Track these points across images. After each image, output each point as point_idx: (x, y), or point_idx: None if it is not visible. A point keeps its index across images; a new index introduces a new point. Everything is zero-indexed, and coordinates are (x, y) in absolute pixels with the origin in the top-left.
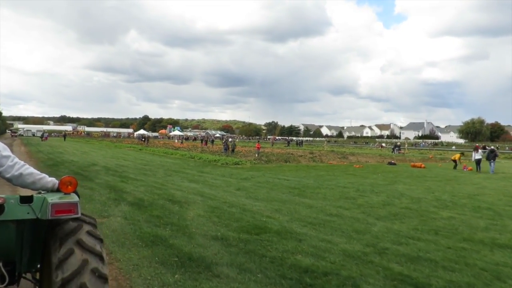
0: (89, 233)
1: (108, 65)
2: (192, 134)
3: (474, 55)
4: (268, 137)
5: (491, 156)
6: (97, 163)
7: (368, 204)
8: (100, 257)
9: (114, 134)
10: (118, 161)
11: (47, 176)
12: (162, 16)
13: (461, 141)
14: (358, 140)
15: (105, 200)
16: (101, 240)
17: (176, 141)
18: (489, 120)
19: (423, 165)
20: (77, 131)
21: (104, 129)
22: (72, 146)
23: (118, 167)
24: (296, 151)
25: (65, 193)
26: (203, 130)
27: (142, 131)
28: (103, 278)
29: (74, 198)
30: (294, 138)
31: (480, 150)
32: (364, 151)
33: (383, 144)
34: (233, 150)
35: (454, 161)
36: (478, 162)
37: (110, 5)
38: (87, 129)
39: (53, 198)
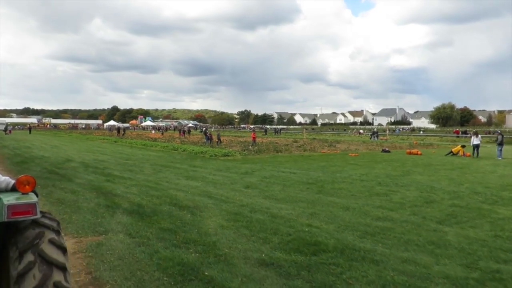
0: (51, 242)
1: (72, 54)
2: (164, 125)
3: (439, 42)
4: (242, 126)
5: (501, 141)
6: (72, 158)
7: (408, 201)
8: (63, 269)
9: (83, 126)
10: (95, 156)
11: (0, 175)
12: (127, 3)
13: (433, 126)
14: (332, 127)
15: (94, 208)
16: (64, 250)
17: (153, 131)
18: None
19: (419, 152)
20: (43, 124)
21: (72, 121)
22: (39, 139)
23: (97, 163)
24: (279, 140)
25: (23, 193)
26: (175, 120)
27: (112, 122)
28: None
29: (32, 198)
30: (268, 126)
31: (479, 136)
32: (345, 138)
33: (361, 131)
34: (219, 141)
35: (451, 152)
36: (476, 147)
37: None
38: (53, 121)
39: (9, 199)
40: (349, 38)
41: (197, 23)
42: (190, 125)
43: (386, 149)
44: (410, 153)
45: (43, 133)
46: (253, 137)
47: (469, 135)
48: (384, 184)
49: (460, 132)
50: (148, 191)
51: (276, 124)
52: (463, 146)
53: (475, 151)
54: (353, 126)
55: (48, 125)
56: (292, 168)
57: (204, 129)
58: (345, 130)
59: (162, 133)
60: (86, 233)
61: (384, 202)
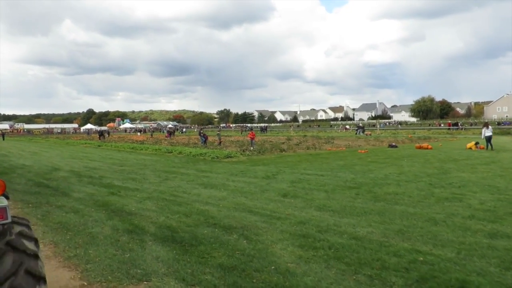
0: (21, 233)
1: (43, 57)
2: (143, 126)
3: (411, 37)
4: (222, 125)
5: None
6: (58, 166)
7: (497, 207)
8: (35, 256)
9: (59, 131)
10: (84, 163)
11: None
12: (97, 4)
13: (413, 119)
14: (316, 123)
15: (113, 235)
16: (35, 240)
17: (138, 134)
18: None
19: (430, 146)
20: (16, 129)
21: (46, 126)
22: (15, 146)
23: (90, 171)
24: (270, 138)
25: None
26: (154, 122)
27: (89, 126)
28: (38, 277)
29: (2, 202)
30: (248, 124)
31: (490, 127)
32: (334, 134)
33: (347, 127)
34: (220, 142)
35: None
36: (489, 139)
37: None
38: (26, 126)
39: None
40: (324, 35)
41: (171, 23)
42: (170, 126)
43: (393, 144)
44: (420, 148)
45: (17, 139)
46: (252, 137)
47: (460, 127)
48: (438, 186)
49: (452, 124)
50: (169, 206)
51: (257, 123)
52: (476, 144)
53: (489, 144)
54: (334, 122)
55: (21, 131)
56: (313, 169)
57: (200, 129)
58: (331, 126)
59: (152, 135)
60: (119, 279)
61: (468, 210)
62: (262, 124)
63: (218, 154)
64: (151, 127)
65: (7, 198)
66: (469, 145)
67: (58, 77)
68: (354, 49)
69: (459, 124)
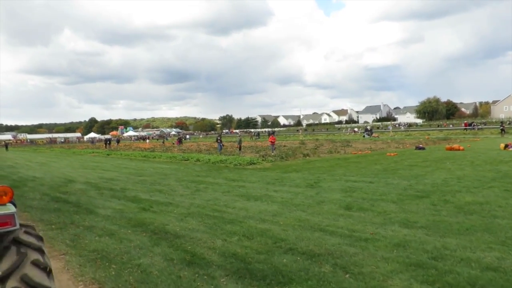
0: (26, 232)
1: (43, 67)
2: (146, 134)
3: (410, 39)
4: (225, 131)
5: None
6: (72, 178)
7: None
8: (40, 250)
9: (62, 140)
10: (98, 173)
11: None
12: (97, 13)
13: (419, 120)
14: (316, 127)
15: (170, 269)
16: (40, 238)
17: (147, 141)
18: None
19: (461, 147)
20: (20, 140)
21: (49, 135)
22: (20, 156)
23: (108, 183)
24: (285, 143)
25: (0, 204)
26: (156, 129)
27: (92, 134)
28: (44, 269)
29: (10, 209)
30: (252, 130)
31: None
32: (346, 137)
33: (356, 129)
34: (240, 148)
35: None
36: None
37: (39, 3)
38: (29, 136)
39: None
40: (323, 39)
41: (170, 30)
42: (173, 133)
43: (420, 146)
44: (451, 149)
45: (21, 149)
46: (273, 141)
47: (476, 127)
48: None
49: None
50: (219, 225)
51: (261, 127)
52: (506, 145)
53: None
54: (339, 126)
55: (24, 141)
56: (355, 175)
57: (218, 136)
58: (339, 129)
59: (163, 142)
60: None
61: None
62: (270, 129)
63: (240, 160)
64: (154, 135)
65: (14, 205)
66: (502, 145)
67: (58, 86)
68: (353, 52)
69: (473, 124)
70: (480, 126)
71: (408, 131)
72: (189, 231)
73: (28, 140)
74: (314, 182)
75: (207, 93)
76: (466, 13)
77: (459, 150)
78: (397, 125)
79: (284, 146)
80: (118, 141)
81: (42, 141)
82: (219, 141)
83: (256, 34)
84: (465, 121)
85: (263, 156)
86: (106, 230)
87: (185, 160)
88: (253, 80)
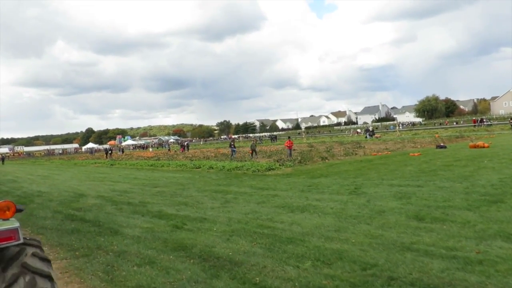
0: (34, 255)
1: (37, 79)
2: (144, 142)
3: (403, 38)
4: (223, 137)
5: None
6: (82, 191)
7: None
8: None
9: (60, 151)
10: (107, 185)
11: None
12: (90, 23)
13: (419, 119)
14: (315, 130)
15: None
16: (48, 261)
17: (150, 149)
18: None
19: (486, 144)
20: (17, 152)
21: (47, 147)
22: (20, 170)
23: (122, 196)
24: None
25: (3, 219)
26: (154, 137)
27: (90, 145)
28: None
29: (14, 223)
30: (250, 135)
31: None
32: (350, 138)
33: (358, 130)
34: (255, 152)
35: None
36: None
37: (32, 15)
38: (26, 149)
39: None
40: (316, 41)
41: (164, 38)
42: (172, 140)
43: (442, 144)
44: (475, 147)
45: (19, 162)
46: (290, 145)
47: (486, 123)
48: None
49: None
50: (278, 246)
51: (259, 132)
52: None
53: None
54: (339, 127)
55: (21, 154)
56: (394, 179)
57: (231, 141)
58: (341, 131)
59: (169, 149)
60: None
61: None
62: (272, 133)
63: (257, 166)
64: (153, 143)
65: (21, 210)
66: None
67: (53, 98)
68: (347, 53)
69: (484, 120)
70: (489, 123)
71: (412, 130)
72: (245, 256)
73: (25, 153)
74: (354, 188)
75: (203, 100)
76: (457, 11)
77: (484, 147)
78: (400, 125)
79: (294, 150)
80: (122, 151)
81: (40, 153)
82: (232, 146)
83: (250, 39)
84: (473, 118)
85: (277, 161)
86: (143, 256)
87: (197, 168)
88: (249, 85)
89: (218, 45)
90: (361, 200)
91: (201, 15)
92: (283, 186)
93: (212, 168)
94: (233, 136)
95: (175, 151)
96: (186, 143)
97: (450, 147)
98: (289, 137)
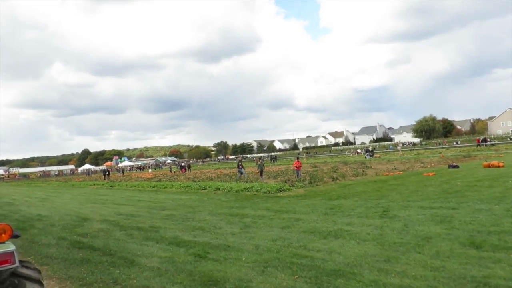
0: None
1: (34, 101)
2: (141, 163)
3: (398, 60)
4: (220, 157)
5: None
6: (84, 215)
7: None
8: None
9: (56, 173)
10: (111, 208)
11: None
12: (87, 45)
13: (417, 139)
14: (312, 150)
15: None
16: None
17: (149, 170)
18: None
19: (501, 164)
20: (12, 174)
21: (42, 168)
22: (16, 192)
23: (130, 220)
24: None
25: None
26: (151, 158)
27: (87, 166)
28: None
29: (9, 247)
30: (248, 155)
31: None
32: (351, 158)
33: (359, 150)
34: (261, 174)
35: None
36: None
37: (30, 37)
38: (21, 170)
39: None
40: (312, 63)
41: (161, 60)
42: (168, 161)
43: (454, 164)
44: (489, 166)
45: (15, 184)
46: (298, 166)
47: (490, 142)
48: None
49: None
50: (326, 280)
51: (256, 152)
52: None
53: None
54: (337, 147)
55: (16, 175)
56: (420, 200)
57: (238, 161)
58: (341, 150)
59: (170, 170)
60: None
61: None
62: (271, 154)
63: (268, 188)
64: (150, 164)
65: (17, 236)
66: None
67: (50, 119)
68: (343, 75)
69: (487, 140)
70: (493, 142)
71: (413, 150)
72: None
73: (20, 174)
74: (383, 211)
75: (200, 121)
76: (450, 33)
77: (499, 166)
78: (400, 145)
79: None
80: (123, 172)
81: (35, 175)
82: (240, 167)
83: (246, 61)
84: (477, 138)
85: (285, 182)
86: None
87: (203, 189)
88: (245, 106)
89: (214, 67)
90: (397, 225)
91: (197, 37)
92: (302, 208)
93: (219, 189)
94: (219, 157)
95: (174, 171)
96: (187, 163)
97: (462, 166)
98: (297, 158)
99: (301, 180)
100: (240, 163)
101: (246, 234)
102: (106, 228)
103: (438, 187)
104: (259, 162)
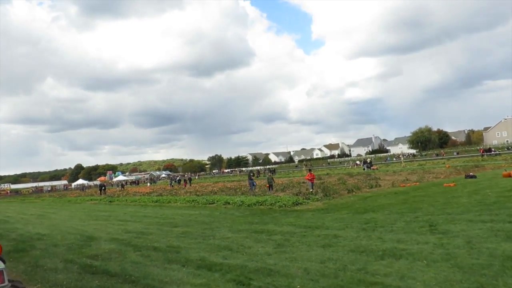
0: None
1: (26, 116)
2: (135, 178)
3: (389, 73)
4: (214, 171)
5: None
6: (89, 234)
7: None
8: None
9: (49, 188)
10: (117, 225)
11: None
12: (79, 60)
13: (413, 151)
14: (308, 163)
15: None
16: None
17: (148, 184)
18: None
19: None
20: (3, 190)
21: (35, 184)
22: (10, 208)
23: (141, 238)
24: (296, 179)
25: None
26: (146, 172)
27: (81, 181)
28: None
29: None
30: (243, 169)
31: None
32: (351, 170)
33: (358, 162)
34: (271, 187)
35: None
36: None
37: (21, 53)
38: (13, 186)
39: None
40: (304, 76)
41: (154, 74)
42: (163, 175)
43: (471, 174)
44: (509, 176)
45: (7, 200)
46: (312, 178)
47: (494, 152)
48: None
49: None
50: None
51: (252, 166)
52: None
53: None
54: (333, 160)
55: (8, 191)
56: (461, 213)
57: (250, 173)
58: (340, 163)
59: (171, 184)
60: None
61: None
62: (270, 166)
63: (283, 201)
64: (144, 178)
65: (3, 261)
66: None
67: (42, 134)
68: (335, 88)
69: (491, 150)
70: (497, 152)
71: (413, 161)
72: None
73: (11, 191)
74: (429, 226)
75: (193, 134)
76: (440, 46)
77: None
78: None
79: (303, 182)
80: (122, 186)
81: (28, 191)
82: (251, 179)
83: (239, 75)
84: (481, 148)
85: (297, 194)
86: None
87: (210, 203)
88: (239, 119)
89: (207, 81)
90: (458, 242)
91: (190, 51)
92: (333, 223)
93: (229, 203)
94: (226, 170)
95: (172, 185)
96: (188, 177)
97: (479, 176)
98: (310, 170)
99: (314, 193)
100: (251, 175)
101: (284, 255)
102: (117, 248)
103: (469, 198)
104: (268, 175)
